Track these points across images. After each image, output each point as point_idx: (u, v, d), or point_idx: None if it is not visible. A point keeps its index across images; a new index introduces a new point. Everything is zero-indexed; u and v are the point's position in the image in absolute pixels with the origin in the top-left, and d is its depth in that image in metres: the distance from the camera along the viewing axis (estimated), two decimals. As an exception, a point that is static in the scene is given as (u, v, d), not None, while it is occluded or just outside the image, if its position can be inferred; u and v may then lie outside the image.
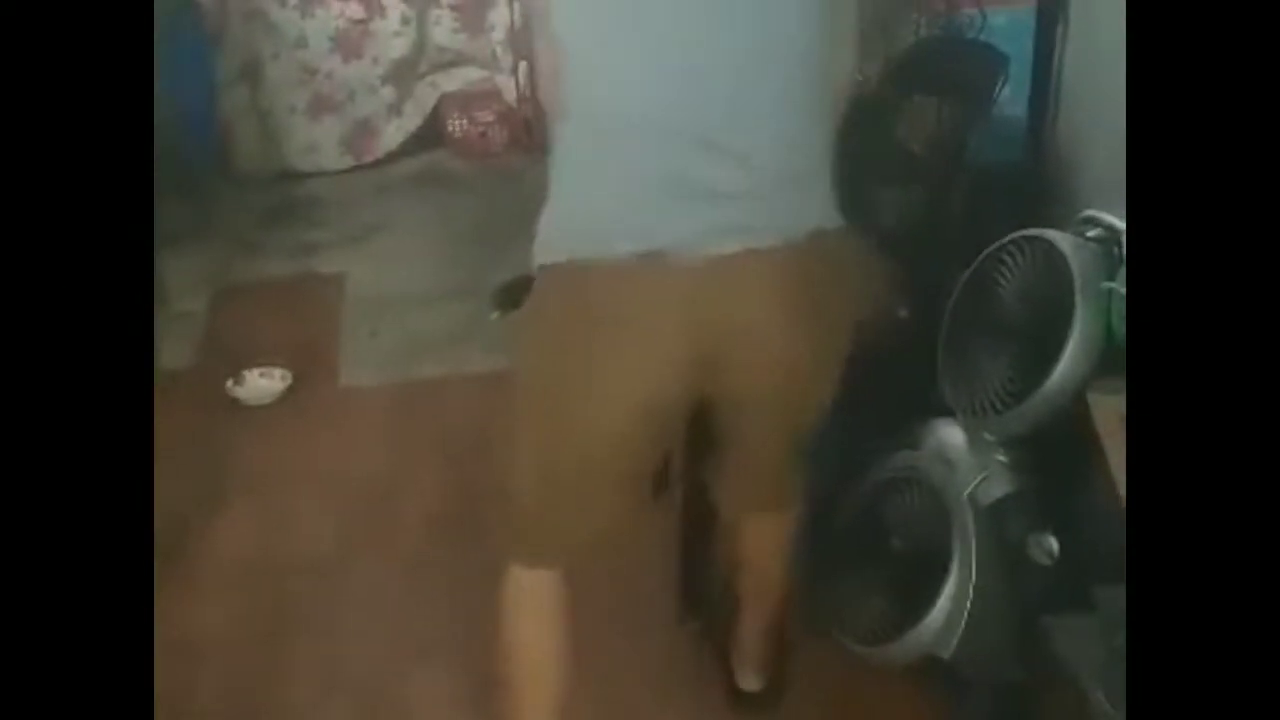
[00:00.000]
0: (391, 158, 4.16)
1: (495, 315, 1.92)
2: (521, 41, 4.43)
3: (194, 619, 2.23)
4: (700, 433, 1.70)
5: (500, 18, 4.15)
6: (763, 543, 1.86)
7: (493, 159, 4.18)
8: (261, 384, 2.95)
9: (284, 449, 2.74)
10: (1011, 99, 2.36)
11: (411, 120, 4.13)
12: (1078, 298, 1.58)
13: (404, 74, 4.08)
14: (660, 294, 1.43)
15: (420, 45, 4.08)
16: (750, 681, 2.02)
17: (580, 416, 1.51)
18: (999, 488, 1.71)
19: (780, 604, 1.94)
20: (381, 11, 3.99)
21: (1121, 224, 1.65)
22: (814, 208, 1.48)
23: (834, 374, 1.60)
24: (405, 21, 4.01)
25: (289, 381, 2.93)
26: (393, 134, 4.14)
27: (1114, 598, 1.40)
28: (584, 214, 1.47)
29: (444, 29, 4.11)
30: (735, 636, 2.02)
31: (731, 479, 1.76)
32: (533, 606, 1.70)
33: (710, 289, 1.43)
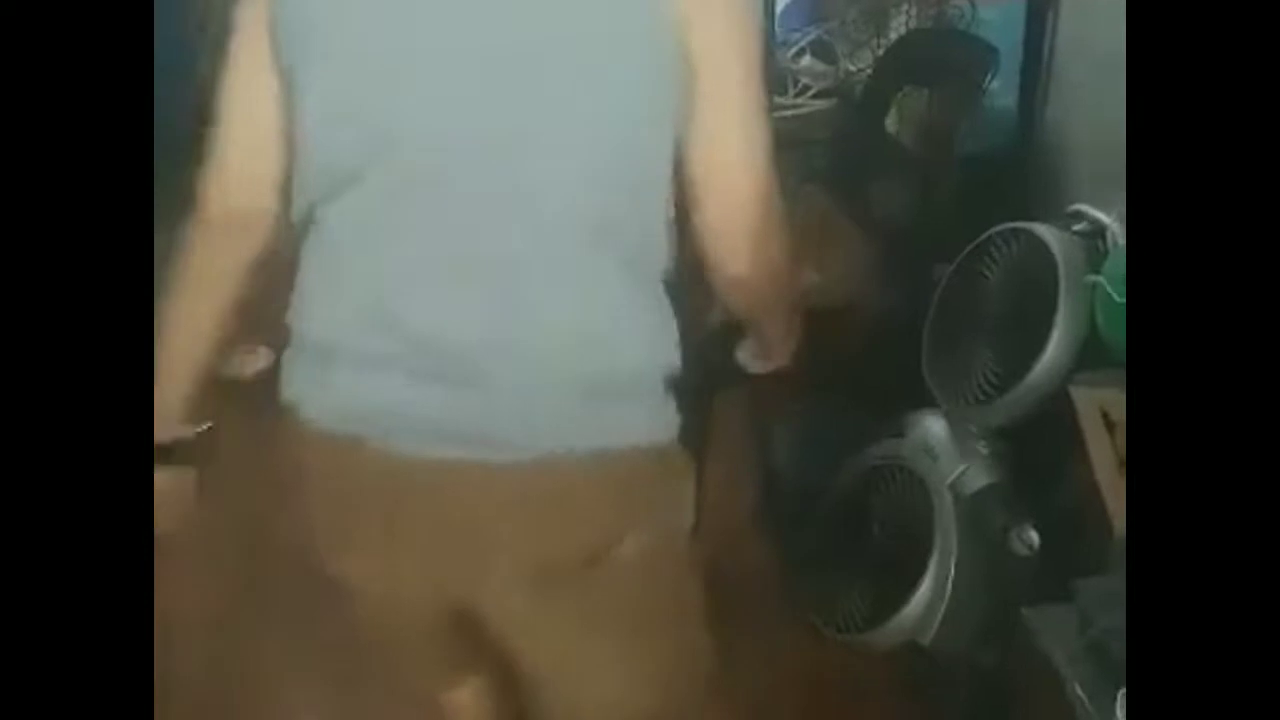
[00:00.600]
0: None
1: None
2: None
3: (179, 598, 2.24)
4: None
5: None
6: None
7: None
8: (246, 360, 2.93)
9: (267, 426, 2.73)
10: (1002, 90, 2.37)
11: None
12: (1062, 291, 1.59)
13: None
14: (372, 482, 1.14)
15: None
16: None
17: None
18: (981, 478, 1.72)
19: None
20: None
21: (1107, 218, 1.66)
22: (606, 422, 1.11)
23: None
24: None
25: (272, 360, 2.92)
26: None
27: (1093, 590, 1.42)
28: (304, 345, 1.19)
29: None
30: None
31: None
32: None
33: (438, 495, 1.11)
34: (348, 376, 1.13)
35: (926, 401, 1.83)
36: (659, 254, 1.11)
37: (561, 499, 1.10)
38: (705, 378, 2.15)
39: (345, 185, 1.09)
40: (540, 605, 1.16)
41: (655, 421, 1.13)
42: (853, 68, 2.74)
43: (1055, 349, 1.59)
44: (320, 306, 1.15)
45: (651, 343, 1.12)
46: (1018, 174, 2.33)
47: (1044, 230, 1.66)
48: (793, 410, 2.44)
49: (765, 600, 2.17)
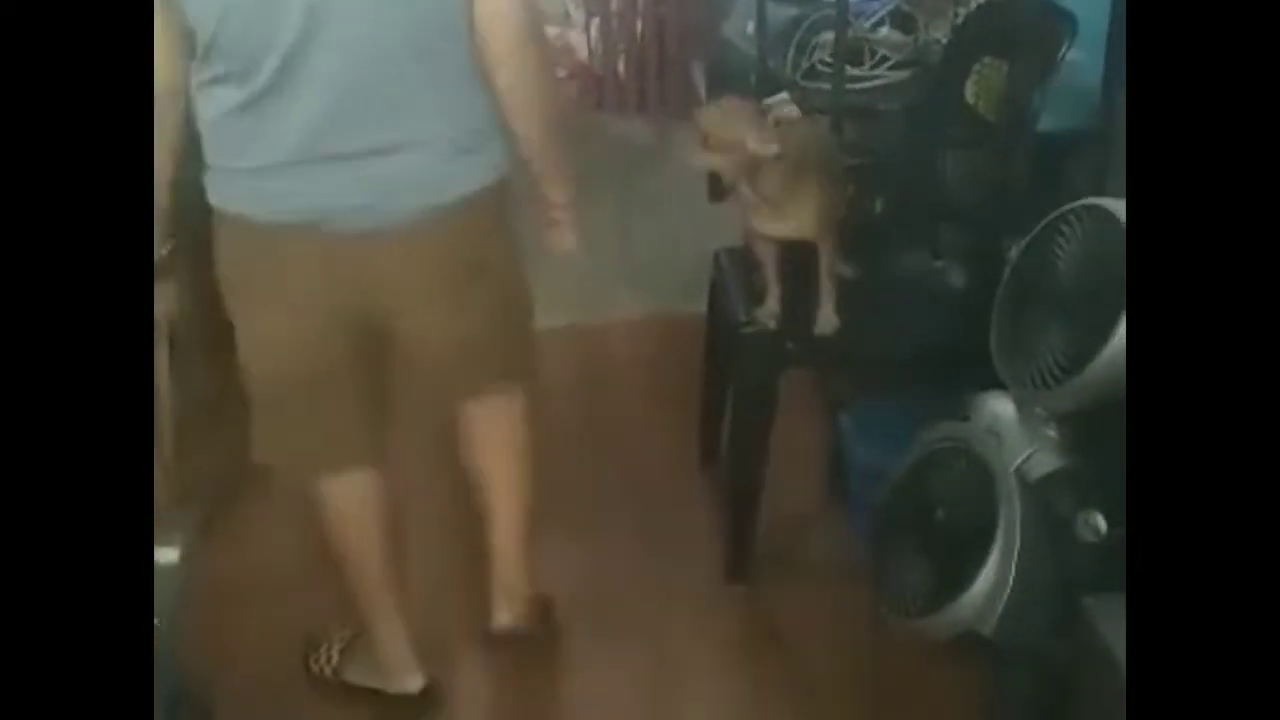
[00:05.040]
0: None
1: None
2: (595, -3, 4.42)
3: (241, 562, 2.29)
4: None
5: (574, -27, 4.13)
6: (489, 429, 1.98)
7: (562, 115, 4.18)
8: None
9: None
10: (1088, 65, 2.29)
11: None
12: (1134, 270, 1.53)
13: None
14: (310, 258, 1.61)
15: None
16: (505, 617, 2.10)
17: (260, 351, 1.70)
18: (1048, 463, 1.67)
19: (525, 511, 2.04)
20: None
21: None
22: (474, 169, 1.66)
23: (497, 318, 1.79)
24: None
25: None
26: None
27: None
28: (233, 172, 1.60)
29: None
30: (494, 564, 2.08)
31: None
32: (342, 512, 1.85)
33: (361, 250, 1.61)
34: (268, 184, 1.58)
35: (994, 383, 1.78)
36: (468, 75, 1.62)
37: (469, 224, 1.68)
38: (770, 359, 2.15)
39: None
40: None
41: (487, 168, 1.69)
42: (931, 38, 2.67)
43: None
44: (246, 128, 1.56)
45: (475, 119, 1.65)
46: (1099, 151, 2.25)
47: (1116, 206, 1.60)
48: (859, 391, 2.40)
49: (828, 583, 2.15)
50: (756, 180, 1.95)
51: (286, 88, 1.52)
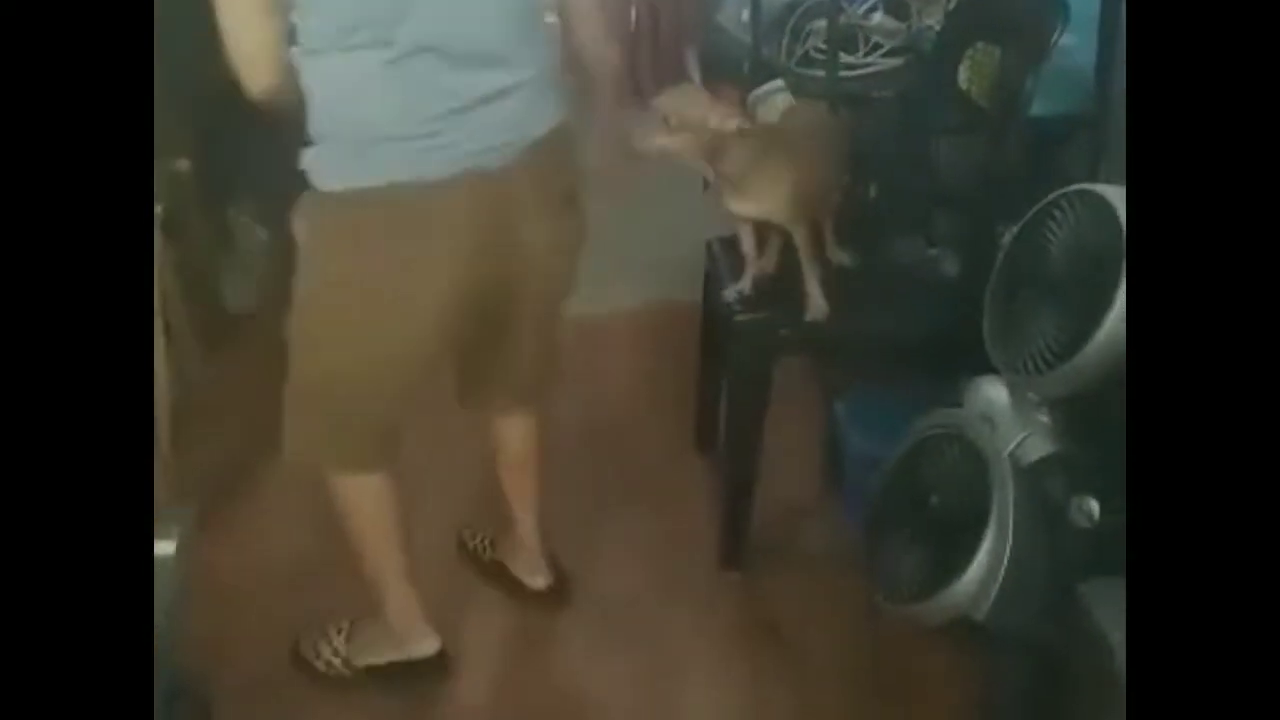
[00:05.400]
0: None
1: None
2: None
3: (239, 557, 2.30)
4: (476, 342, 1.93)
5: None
6: (514, 434, 2.14)
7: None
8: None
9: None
10: (1080, 50, 2.28)
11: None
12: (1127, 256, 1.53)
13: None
14: (459, 208, 1.66)
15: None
16: (540, 579, 2.24)
17: (361, 332, 1.72)
18: (1041, 448, 1.67)
19: (537, 496, 2.20)
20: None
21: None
22: (554, 106, 1.77)
23: (579, 249, 1.93)
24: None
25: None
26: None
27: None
28: (352, 147, 1.62)
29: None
30: (512, 545, 2.26)
31: (492, 383, 2.01)
32: (364, 509, 1.91)
33: (499, 188, 1.69)
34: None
35: (988, 369, 1.78)
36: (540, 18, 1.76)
37: (557, 156, 1.79)
38: (764, 347, 2.15)
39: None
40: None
41: (561, 105, 1.80)
42: (924, 24, 2.67)
43: (1117, 317, 1.53)
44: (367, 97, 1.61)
45: (550, 59, 1.76)
46: (1092, 136, 2.25)
47: (1109, 191, 1.60)
48: (853, 378, 2.41)
49: (824, 570, 2.16)
50: (718, 161, 1.95)
51: (426, 42, 1.57)
